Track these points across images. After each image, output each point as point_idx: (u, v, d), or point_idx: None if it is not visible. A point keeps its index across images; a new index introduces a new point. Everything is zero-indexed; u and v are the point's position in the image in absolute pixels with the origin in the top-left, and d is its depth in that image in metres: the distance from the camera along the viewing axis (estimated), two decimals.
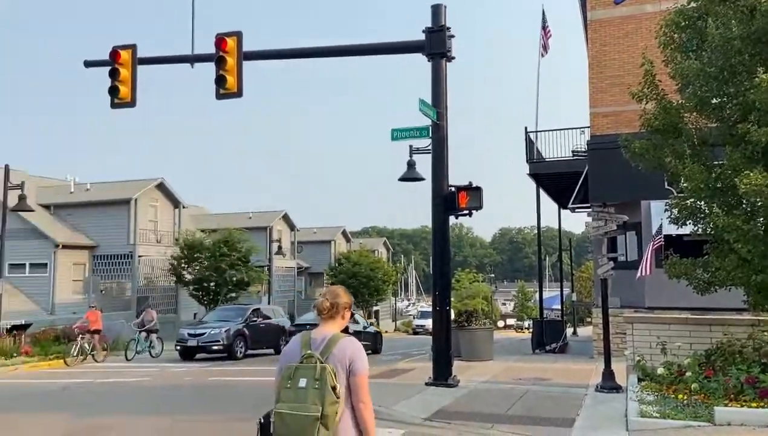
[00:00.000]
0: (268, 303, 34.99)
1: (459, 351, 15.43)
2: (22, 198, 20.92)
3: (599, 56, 16.69)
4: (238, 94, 11.35)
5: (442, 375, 11.06)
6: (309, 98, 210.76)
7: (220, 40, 11.24)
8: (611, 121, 16.15)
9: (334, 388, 3.03)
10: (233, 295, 32.00)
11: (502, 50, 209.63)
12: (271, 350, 22.10)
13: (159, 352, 21.30)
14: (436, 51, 11.43)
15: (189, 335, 20.08)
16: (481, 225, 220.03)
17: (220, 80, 11.15)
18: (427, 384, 10.98)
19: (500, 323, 50.30)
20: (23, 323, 22.35)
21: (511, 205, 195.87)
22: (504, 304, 70.91)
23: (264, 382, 13.29)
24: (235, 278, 31.46)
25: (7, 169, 21.42)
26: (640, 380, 8.85)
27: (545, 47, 22.75)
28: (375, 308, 51.17)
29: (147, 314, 22.08)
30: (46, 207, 32.55)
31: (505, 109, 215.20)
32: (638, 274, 11.36)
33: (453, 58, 11.71)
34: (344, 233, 58.77)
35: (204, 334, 19.87)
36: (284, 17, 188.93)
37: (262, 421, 3.30)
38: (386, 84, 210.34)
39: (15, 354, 18.99)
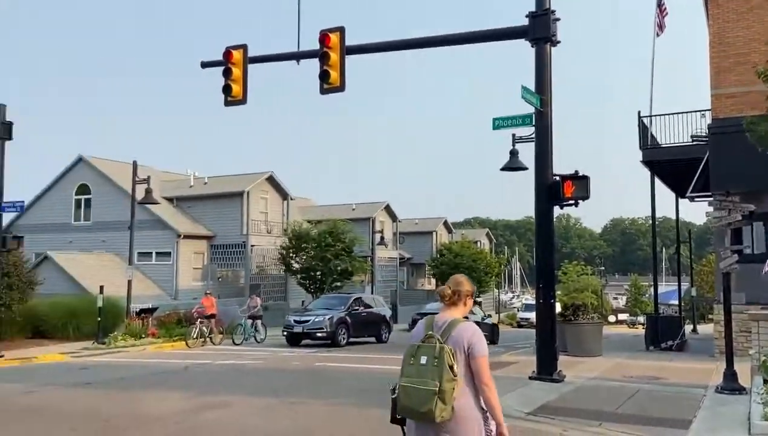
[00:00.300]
0: (371, 293, 35.67)
1: (565, 346, 14.98)
2: (148, 192, 22.72)
3: (721, 33, 15.42)
4: (341, 88, 11.62)
5: (546, 370, 10.79)
6: (409, 90, 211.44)
7: (324, 36, 11.56)
8: (735, 102, 14.89)
9: (451, 367, 3.26)
10: (338, 284, 32.93)
11: (611, 31, 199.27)
12: (373, 339, 22.56)
13: (263, 337, 22.24)
14: (540, 36, 11.09)
15: (295, 321, 20.94)
16: (590, 215, 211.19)
17: (324, 75, 11.47)
18: (530, 378, 10.76)
19: (611, 318, 48.14)
20: (150, 306, 24.26)
21: (622, 195, 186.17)
22: (615, 298, 67.63)
23: (366, 369, 13.64)
24: (339, 268, 32.36)
25: (135, 165, 23.29)
26: (765, 381, 8.16)
27: (661, 26, 21.32)
28: (477, 300, 50.69)
29: (251, 300, 23.21)
30: (170, 200, 35.11)
31: (615, 92, 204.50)
32: (765, 268, 10.45)
33: (558, 42, 11.31)
34: (446, 224, 58.61)
35: (309, 321, 20.63)
36: (382, 10, 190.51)
37: (393, 389, 3.62)
38: (488, 72, 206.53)
39: (143, 335, 20.72)
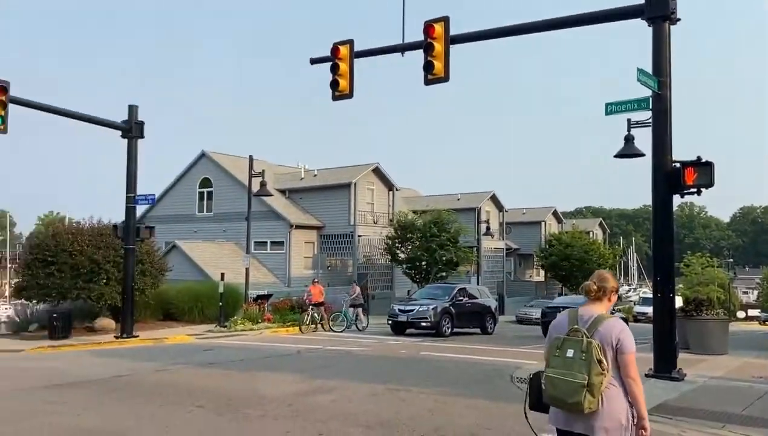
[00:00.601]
0: (477, 283, 35.38)
1: (686, 343, 14.09)
2: (263, 184, 23.95)
3: None
4: (445, 78, 11.60)
5: (664, 367, 10.23)
6: (515, 77, 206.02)
7: (428, 27, 11.58)
8: None
9: (600, 361, 3.42)
10: (443, 274, 32.97)
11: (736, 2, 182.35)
12: (477, 330, 22.38)
13: (365, 325, 22.67)
14: (658, 14, 10.43)
15: (399, 310, 21.22)
16: (716, 204, 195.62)
17: (428, 66, 11.50)
18: (647, 375, 10.24)
19: (740, 314, 44.51)
20: (266, 293, 25.66)
21: (753, 181, 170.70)
22: (746, 293, 62.34)
23: (471, 360, 13.60)
24: (444, 258, 32.38)
25: (251, 159, 24.61)
26: None
27: None
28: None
29: (351, 288, 23.78)
30: (282, 192, 36.77)
31: (744, 68, 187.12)
32: None
33: (678, 20, 10.59)
34: (555, 214, 56.77)
35: (413, 310, 20.83)
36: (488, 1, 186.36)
37: (532, 377, 3.88)
38: (599, 55, 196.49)
39: (259, 320, 21.95)
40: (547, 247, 47.69)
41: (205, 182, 37.51)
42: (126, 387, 9.94)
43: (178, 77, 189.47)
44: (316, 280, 23.99)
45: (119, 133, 18.25)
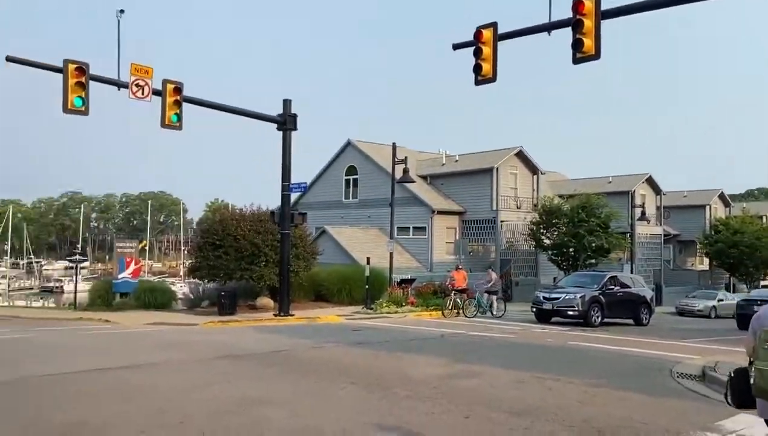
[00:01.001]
0: (631, 271, 33.37)
1: None
2: (405, 171, 24.44)
3: None
4: (596, 56, 11.03)
5: None
6: (668, 52, 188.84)
7: (577, 3, 11.05)
8: None
9: None
10: (592, 261, 31.51)
11: None
12: (630, 321, 21.16)
13: (501, 313, 22.17)
14: None
15: (544, 298, 20.64)
16: None
17: (577, 44, 11.00)
18: None
19: None
20: (409, 277, 26.29)
21: None
22: None
23: (623, 352, 12.94)
24: (594, 245, 30.91)
25: (394, 147, 25.21)
26: None
27: None
28: (763, 283, 43.86)
29: (487, 274, 23.31)
30: (424, 178, 37.24)
31: None
32: None
33: None
34: (722, 197, 51.66)
35: (559, 298, 20.16)
36: None
37: (734, 373, 3.89)
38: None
39: (403, 303, 22.54)
40: (713, 233, 43.62)
41: (351, 170, 39.05)
42: (284, 362, 10.77)
43: (325, 68, 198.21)
44: (459, 266, 24.04)
45: (275, 126, 19.59)
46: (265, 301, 21.81)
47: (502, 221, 34.61)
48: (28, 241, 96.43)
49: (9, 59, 14.70)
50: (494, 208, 34.56)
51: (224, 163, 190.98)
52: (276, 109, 19.72)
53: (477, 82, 12.57)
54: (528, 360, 11.39)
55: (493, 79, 12.45)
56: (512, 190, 35.89)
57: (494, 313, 22.15)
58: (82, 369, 9.86)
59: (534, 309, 20.97)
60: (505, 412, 7.01)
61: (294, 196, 37.08)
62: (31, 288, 72.11)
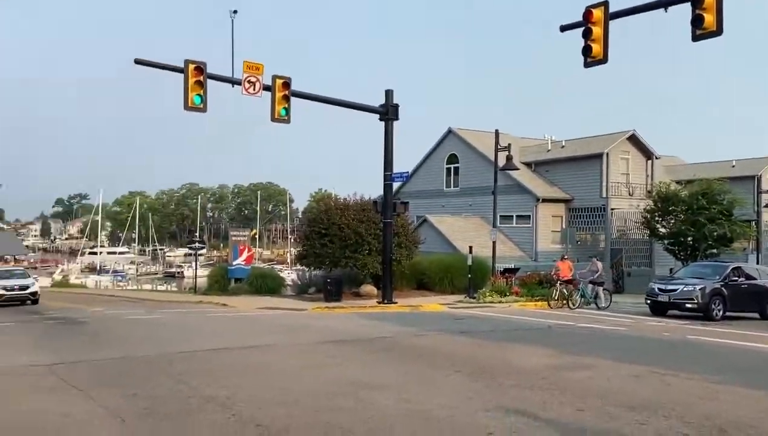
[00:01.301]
0: (756, 262, 30.81)
1: None
2: (509, 158, 23.98)
3: None
4: (718, 32, 10.27)
5: None
6: None
7: None
8: None
9: None
10: (713, 251, 29.39)
11: None
12: (755, 314, 19.61)
13: (606, 305, 21.14)
14: None
15: (660, 290, 19.52)
16: None
17: (697, 21, 10.32)
18: None
19: None
20: (512, 266, 25.84)
21: None
22: None
23: (749, 348, 12.06)
24: (715, 233, 28.80)
25: (497, 134, 24.78)
26: None
27: None
28: None
29: (592, 264, 22.19)
30: (528, 165, 36.31)
31: None
32: None
33: None
34: None
35: (676, 290, 19.01)
36: None
37: None
38: None
39: (507, 293, 22.21)
40: None
41: (452, 158, 38.84)
42: (389, 348, 10.99)
43: (425, 57, 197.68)
44: (564, 255, 23.26)
45: (377, 116, 19.89)
46: (369, 288, 22.30)
47: (612, 209, 33.08)
48: (153, 229, 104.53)
49: (137, 61, 15.97)
50: (604, 195, 33.08)
51: (327, 153, 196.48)
52: (374, 99, 20.03)
53: (587, 64, 12.09)
54: (643, 354, 10.86)
55: (604, 60, 11.93)
56: (623, 176, 34.17)
57: (599, 305, 21.26)
58: (207, 348, 10.62)
59: (648, 301, 19.91)
60: (622, 406, 6.76)
61: (395, 186, 37.55)
62: (156, 273, 78.36)
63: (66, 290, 42.44)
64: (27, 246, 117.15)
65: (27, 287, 24.85)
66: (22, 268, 36.97)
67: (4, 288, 24.16)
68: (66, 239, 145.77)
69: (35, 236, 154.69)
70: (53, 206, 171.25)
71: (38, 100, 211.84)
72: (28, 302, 24.67)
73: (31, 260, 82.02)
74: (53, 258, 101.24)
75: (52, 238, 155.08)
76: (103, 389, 7.49)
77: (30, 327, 15.48)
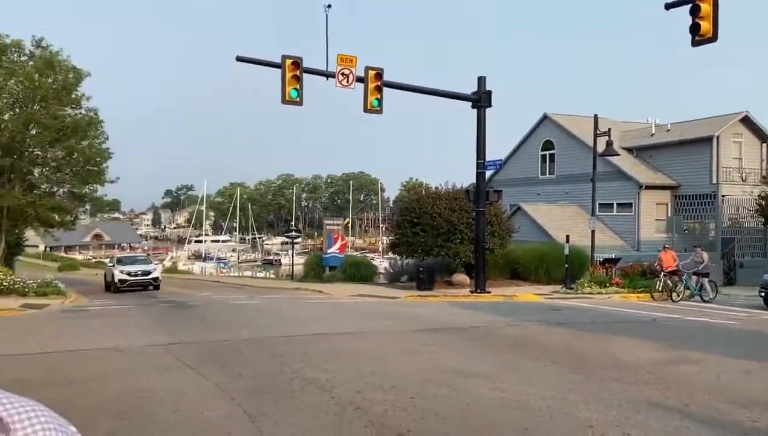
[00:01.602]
0: None
1: None
2: (609, 144, 22.98)
3: None
4: (713, 39, 9.28)
5: None
6: None
7: None
8: None
9: None
10: None
11: None
12: None
13: (712, 297, 19.77)
14: None
15: None
16: None
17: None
18: None
19: None
20: (613, 256, 24.77)
21: None
22: None
23: None
24: None
25: (596, 118, 23.78)
26: None
27: None
28: None
29: (696, 254, 20.73)
30: (629, 150, 34.57)
31: None
32: None
33: None
34: None
35: None
36: None
37: None
38: None
39: (607, 284, 21.35)
40: None
41: (548, 145, 37.68)
42: (483, 337, 10.94)
43: (518, 43, 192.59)
44: (667, 246, 22.01)
45: (468, 104, 19.68)
46: (461, 277, 22.22)
47: (723, 196, 30.87)
48: (252, 219, 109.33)
49: (239, 59, 16.74)
50: (714, 181, 30.93)
51: (417, 142, 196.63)
52: (463, 85, 19.81)
53: (694, 43, 11.36)
54: (756, 349, 10.15)
55: (713, 38, 11.17)
56: (736, 161, 31.76)
57: (704, 297, 19.96)
58: (305, 333, 11.07)
59: (763, 294, 18.48)
60: (733, 403, 6.38)
61: (488, 174, 36.95)
62: (255, 260, 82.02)
63: (176, 276, 45.41)
64: (140, 235, 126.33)
65: (149, 273, 25.76)
66: (145, 254, 38.47)
67: (128, 273, 25.36)
68: (174, 228, 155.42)
69: (147, 225, 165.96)
70: (163, 197, 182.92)
71: (148, 99, 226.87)
72: (150, 287, 25.42)
73: (145, 248, 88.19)
74: (164, 246, 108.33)
75: (162, 227, 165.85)
76: (213, 368, 8.01)
77: (147, 310, 16.75)
